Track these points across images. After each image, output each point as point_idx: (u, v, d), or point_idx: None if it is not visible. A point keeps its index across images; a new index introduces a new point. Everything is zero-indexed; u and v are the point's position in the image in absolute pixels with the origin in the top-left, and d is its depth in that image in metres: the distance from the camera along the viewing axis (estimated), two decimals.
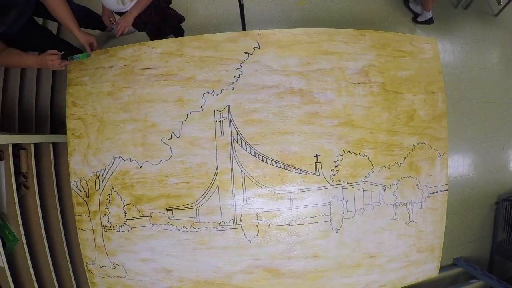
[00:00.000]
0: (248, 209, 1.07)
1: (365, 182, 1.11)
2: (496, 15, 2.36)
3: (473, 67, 2.26)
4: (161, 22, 1.52)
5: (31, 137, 1.30)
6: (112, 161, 1.09)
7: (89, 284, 1.14)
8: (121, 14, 1.27)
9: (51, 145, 1.42)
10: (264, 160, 1.07)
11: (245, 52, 1.09)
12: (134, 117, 1.09)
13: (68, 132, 1.12)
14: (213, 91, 1.08)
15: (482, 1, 2.34)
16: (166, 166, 1.07)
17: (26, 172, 1.29)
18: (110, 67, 1.12)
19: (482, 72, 2.27)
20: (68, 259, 1.45)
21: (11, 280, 1.13)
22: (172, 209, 1.08)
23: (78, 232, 1.12)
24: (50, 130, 1.93)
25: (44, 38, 1.43)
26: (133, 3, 1.23)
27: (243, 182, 1.07)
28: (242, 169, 1.07)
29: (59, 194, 1.45)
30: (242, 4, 1.46)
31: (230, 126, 1.07)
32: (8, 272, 1.12)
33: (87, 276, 1.14)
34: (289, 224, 1.08)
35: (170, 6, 1.56)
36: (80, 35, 1.12)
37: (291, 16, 2.10)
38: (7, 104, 1.70)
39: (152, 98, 1.09)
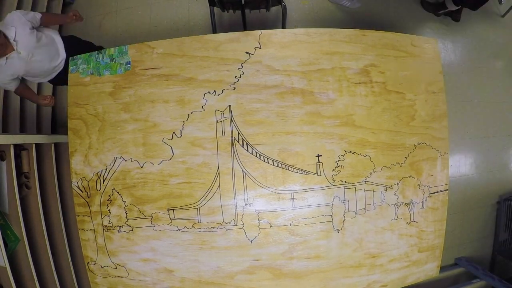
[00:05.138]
0: (249, 209, 1.07)
1: (366, 182, 1.11)
2: (503, 15, 2.34)
3: (475, 67, 2.25)
4: None
5: (32, 137, 1.30)
6: (113, 161, 1.09)
7: (91, 284, 1.14)
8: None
9: (53, 145, 1.42)
10: (266, 160, 1.07)
11: (246, 52, 1.09)
12: (135, 117, 1.10)
13: (69, 132, 1.12)
14: (214, 91, 1.08)
15: (490, 1, 2.33)
16: (167, 167, 1.08)
17: (27, 172, 1.29)
18: None
19: (484, 71, 2.26)
20: (69, 259, 1.46)
21: (12, 280, 1.13)
22: (173, 209, 1.08)
23: (79, 232, 1.12)
24: (51, 130, 1.94)
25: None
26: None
27: (245, 183, 1.07)
28: (243, 170, 1.07)
29: (60, 194, 1.46)
30: (244, 4, 1.46)
31: (231, 126, 1.07)
32: (10, 272, 1.12)
33: (89, 276, 1.14)
34: (290, 225, 1.08)
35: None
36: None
37: (292, 16, 2.10)
38: (8, 104, 1.71)
39: (153, 98, 1.09)
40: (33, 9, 1.92)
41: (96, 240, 1.11)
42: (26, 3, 1.86)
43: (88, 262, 1.13)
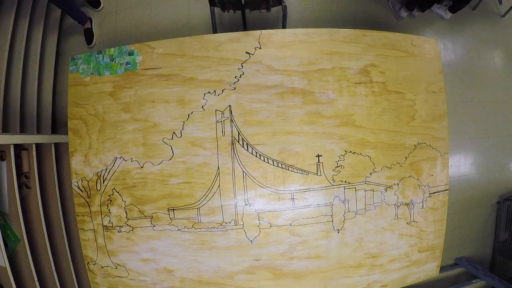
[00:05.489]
0: (249, 209, 1.07)
1: (366, 182, 1.11)
2: (503, 15, 2.34)
3: (475, 67, 2.25)
4: None
5: (32, 137, 1.30)
6: (113, 161, 1.09)
7: (91, 284, 1.14)
8: None
9: (53, 145, 1.42)
10: (266, 160, 1.07)
11: (246, 52, 1.09)
12: (135, 117, 1.10)
13: (69, 132, 1.12)
14: (215, 91, 1.08)
15: (490, 1, 2.33)
16: (167, 167, 1.08)
17: (27, 172, 1.29)
18: None
19: (484, 71, 2.26)
20: (69, 259, 1.46)
21: (12, 280, 1.13)
22: (173, 209, 1.08)
23: (79, 232, 1.12)
24: (51, 130, 1.94)
25: None
26: None
27: (245, 183, 1.07)
28: (244, 170, 1.07)
29: (60, 194, 1.46)
30: (244, 4, 1.46)
31: (231, 126, 1.07)
32: (10, 272, 1.12)
33: (89, 276, 1.14)
34: (290, 225, 1.08)
35: None
36: None
37: (292, 16, 2.10)
38: (9, 104, 1.71)
39: (153, 98, 1.09)
40: (33, 9, 1.92)
41: (96, 240, 1.11)
42: (26, 3, 1.86)
43: (88, 262, 1.13)
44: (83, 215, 1.11)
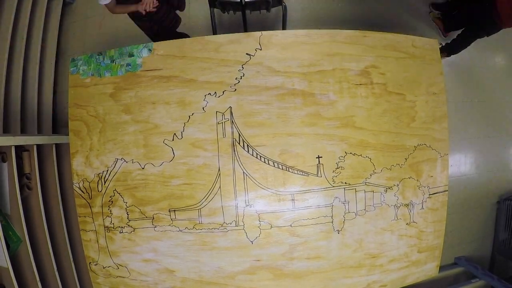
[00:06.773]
0: (250, 210, 1.08)
1: (366, 184, 1.11)
2: None
3: (475, 66, 2.25)
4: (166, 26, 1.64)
5: (33, 138, 1.31)
6: (114, 162, 1.10)
7: (93, 285, 1.15)
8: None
9: (54, 146, 1.43)
10: (266, 161, 1.07)
11: (246, 54, 1.09)
12: (136, 119, 1.10)
13: (70, 133, 1.12)
14: (215, 92, 1.08)
15: None
16: (168, 168, 1.08)
17: (29, 173, 1.30)
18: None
19: (484, 71, 2.26)
20: (71, 260, 1.47)
21: (15, 280, 1.14)
22: (174, 210, 1.08)
23: (81, 233, 1.12)
24: (52, 131, 1.94)
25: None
26: None
27: (245, 184, 1.07)
28: (244, 171, 1.07)
29: (62, 195, 1.46)
30: (244, 5, 1.46)
31: (232, 128, 1.07)
32: (12, 272, 1.13)
33: (91, 277, 1.15)
34: (291, 225, 1.09)
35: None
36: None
37: (292, 16, 2.10)
38: (9, 105, 1.71)
39: (154, 99, 1.10)
40: (33, 9, 1.92)
41: (97, 241, 1.12)
42: (26, 3, 1.86)
43: (90, 263, 1.14)
44: (85, 216, 1.12)
